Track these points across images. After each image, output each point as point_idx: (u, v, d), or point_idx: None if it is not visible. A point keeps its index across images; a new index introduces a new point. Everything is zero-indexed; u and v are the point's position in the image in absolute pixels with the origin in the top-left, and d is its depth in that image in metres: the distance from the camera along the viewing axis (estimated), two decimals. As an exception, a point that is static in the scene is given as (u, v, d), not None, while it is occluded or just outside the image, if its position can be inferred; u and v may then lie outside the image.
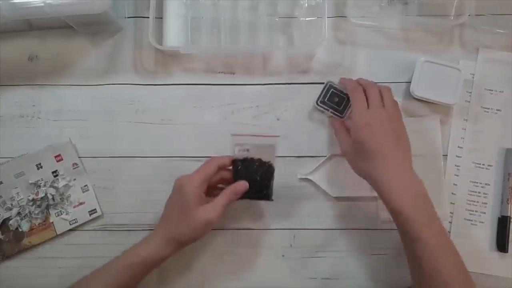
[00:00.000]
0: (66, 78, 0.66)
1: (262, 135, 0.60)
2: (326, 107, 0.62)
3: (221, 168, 0.57)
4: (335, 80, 0.63)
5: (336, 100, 0.62)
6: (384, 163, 0.53)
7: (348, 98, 0.61)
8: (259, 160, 0.57)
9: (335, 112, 0.62)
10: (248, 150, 0.57)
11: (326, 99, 0.62)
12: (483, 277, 0.61)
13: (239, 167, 0.57)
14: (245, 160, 0.57)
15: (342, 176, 0.63)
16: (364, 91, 0.58)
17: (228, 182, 0.57)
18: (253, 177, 0.56)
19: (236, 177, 0.57)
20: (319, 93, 0.63)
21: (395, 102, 0.57)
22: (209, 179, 0.55)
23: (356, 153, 0.56)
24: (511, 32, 0.65)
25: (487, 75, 0.65)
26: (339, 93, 0.62)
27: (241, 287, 0.61)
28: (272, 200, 0.58)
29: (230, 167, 0.57)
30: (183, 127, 0.65)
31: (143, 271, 0.55)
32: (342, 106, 0.62)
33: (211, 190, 0.57)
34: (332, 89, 0.63)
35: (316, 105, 0.63)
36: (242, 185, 0.55)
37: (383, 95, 0.57)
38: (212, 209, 0.53)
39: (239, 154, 0.57)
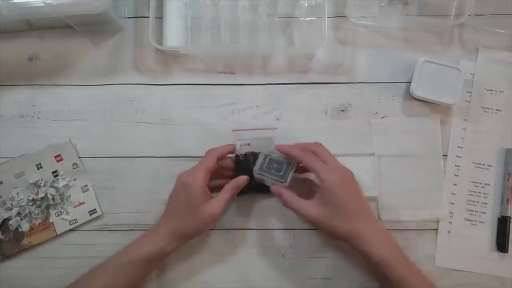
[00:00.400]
0: (66, 78, 0.66)
1: (261, 129, 0.62)
2: (267, 174, 0.57)
3: (220, 158, 0.58)
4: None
5: (276, 166, 0.57)
6: (363, 218, 0.53)
7: (288, 164, 0.57)
8: (259, 153, 0.58)
9: (277, 179, 0.56)
10: (248, 144, 0.59)
11: (265, 166, 0.57)
12: (483, 277, 0.61)
13: (240, 161, 0.59)
14: (245, 155, 0.59)
15: (342, 176, 0.63)
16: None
17: (228, 168, 0.60)
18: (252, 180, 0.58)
19: (237, 170, 0.59)
20: (258, 163, 0.57)
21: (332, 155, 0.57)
22: (211, 172, 0.57)
23: (331, 215, 0.52)
24: (511, 32, 0.65)
25: (487, 75, 0.65)
26: (276, 160, 0.58)
27: (241, 287, 0.61)
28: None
29: (230, 155, 0.60)
30: (183, 127, 0.65)
31: (147, 268, 0.55)
32: (282, 172, 0.57)
33: (213, 178, 0.58)
34: (269, 157, 0.57)
35: (257, 173, 0.57)
36: (243, 179, 0.57)
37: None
38: (217, 204, 0.55)
39: (241, 149, 0.59)
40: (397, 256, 0.52)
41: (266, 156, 0.58)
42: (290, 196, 0.55)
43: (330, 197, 0.52)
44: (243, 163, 0.59)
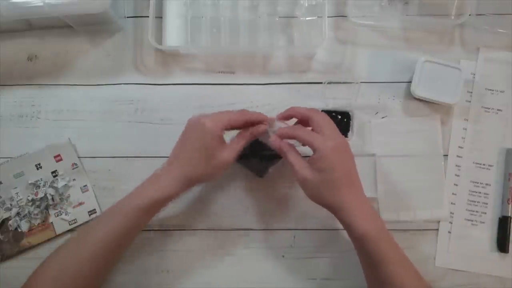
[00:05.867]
0: (66, 78, 0.66)
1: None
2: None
3: (247, 125, 0.56)
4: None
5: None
6: (350, 191, 0.52)
7: (345, 116, 0.62)
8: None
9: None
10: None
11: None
12: (484, 277, 0.61)
13: (257, 144, 0.58)
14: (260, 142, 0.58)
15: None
16: (306, 120, 0.55)
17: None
18: (256, 156, 0.58)
19: (249, 152, 0.59)
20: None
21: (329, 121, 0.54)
22: (231, 127, 0.55)
23: (319, 183, 0.51)
24: (511, 31, 0.65)
25: (487, 74, 0.65)
26: (333, 115, 0.62)
27: (241, 287, 0.61)
28: (261, 177, 0.61)
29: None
30: (183, 127, 0.64)
31: (155, 210, 0.55)
32: (341, 129, 0.59)
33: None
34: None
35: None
36: (262, 128, 0.56)
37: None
38: (231, 151, 0.54)
39: (263, 138, 0.58)
40: (380, 233, 0.51)
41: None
42: (290, 149, 0.54)
43: (322, 165, 0.51)
44: (256, 146, 0.58)
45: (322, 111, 0.62)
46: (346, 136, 0.62)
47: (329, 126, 0.53)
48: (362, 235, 0.50)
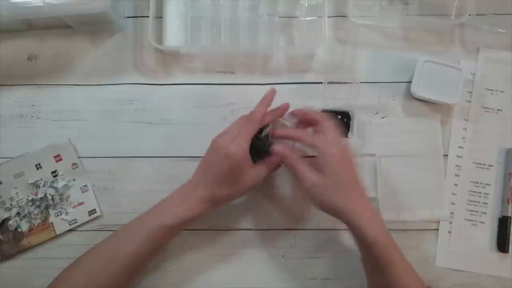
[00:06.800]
0: (66, 78, 0.66)
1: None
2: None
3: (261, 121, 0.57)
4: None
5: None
6: (356, 195, 0.52)
7: (345, 116, 0.63)
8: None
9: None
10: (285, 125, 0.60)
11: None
12: (483, 277, 0.61)
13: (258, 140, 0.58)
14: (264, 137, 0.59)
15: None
16: (309, 122, 0.57)
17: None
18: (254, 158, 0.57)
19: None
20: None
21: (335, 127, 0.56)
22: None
23: (327, 188, 0.52)
24: (511, 31, 0.65)
25: (488, 75, 0.65)
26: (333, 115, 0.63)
27: (241, 287, 0.61)
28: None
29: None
30: (183, 127, 0.65)
31: (179, 230, 0.56)
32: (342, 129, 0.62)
33: None
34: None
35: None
36: (289, 153, 0.55)
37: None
38: (257, 174, 0.55)
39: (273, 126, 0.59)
40: (388, 238, 0.52)
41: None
42: (301, 163, 0.54)
43: (328, 169, 0.51)
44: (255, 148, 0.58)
45: (322, 111, 0.62)
46: (346, 136, 0.62)
47: (335, 132, 0.55)
48: (372, 241, 0.50)
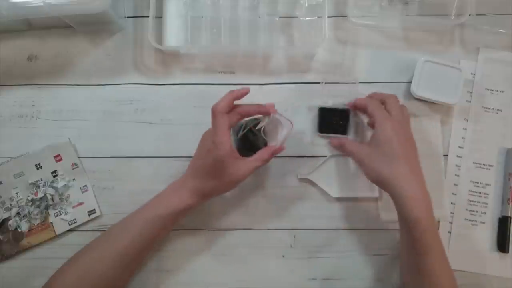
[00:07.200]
0: (66, 78, 0.66)
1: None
2: (329, 133, 0.63)
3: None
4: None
5: (334, 122, 0.63)
6: (406, 169, 0.52)
7: (344, 114, 0.63)
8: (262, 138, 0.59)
9: (339, 134, 0.63)
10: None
11: (325, 125, 0.63)
12: (483, 277, 0.61)
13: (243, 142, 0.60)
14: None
15: (342, 176, 0.63)
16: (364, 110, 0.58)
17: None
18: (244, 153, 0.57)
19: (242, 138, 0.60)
20: (317, 121, 0.63)
21: (406, 109, 0.58)
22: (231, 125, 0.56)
23: (378, 155, 0.54)
24: (511, 31, 0.65)
25: (487, 75, 0.65)
26: (333, 113, 0.63)
27: (241, 287, 0.61)
28: None
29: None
30: (183, 127, 0.65)
31: (173, 221, 0.57)
32: (342, 126, 0.63)
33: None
34: (325, 112, 0.63)
35: (320, 134, 0.63)
36: (282, 148, 0.57)
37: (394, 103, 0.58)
38: (245, 168, 0.54)
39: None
40: (429, 222, 0.51)
41: (322, 110, 0.63)
42: (348, 141, 0.59)
43: (379, 138, 0.54)
44: (246, 143, 0.60)
45: (320, 108, 0.63)
46: (346, 134, 0.63)
47: (397, 108, 0.56)
48: (414, 220, 0.50)
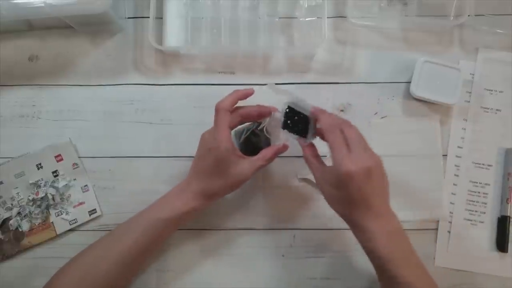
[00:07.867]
0: (66, 78, 0.66)
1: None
2: (291, 132, 0.55)
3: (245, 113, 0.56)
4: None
5: (297, 123, 0.55)
6: (365, 211, 0.49)
7: (306, 119, 0.55)
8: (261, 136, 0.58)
9: (299, 135, 0.56)
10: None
11: (287, 125, 0.55)
12: (483, 277, 0.61)
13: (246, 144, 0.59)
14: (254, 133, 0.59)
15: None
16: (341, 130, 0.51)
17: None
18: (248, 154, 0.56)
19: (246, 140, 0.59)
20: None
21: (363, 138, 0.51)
22: (233, 125, 0.55)
23: (335, 191, 0.50)
24: (511, 32, 0.65)
25: (486, 75, 0.65)
26: (297, 114, 0.55)
27: (241, 287, 0.61)
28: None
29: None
30: (183, 127, 0.65)
31: (179, 224, 0.57)
32: (303, 130, 0.56)
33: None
34: (291, 112, 0.55)
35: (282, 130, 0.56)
36: (285, 147, 0.56)
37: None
38: (249, 167, 0.54)
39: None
40: (402, 255, 0.49)
41: (289, 108, 0.55)
42: (310, 157, 0.53)
43: (339, 181, 0.48)
44: (249, 145, 0.59)
45: (289, 106, 0.55)
46: (305, 137, 0.56)
47: (359, 145, 0.49)
48: (372, 251, 0.49)
